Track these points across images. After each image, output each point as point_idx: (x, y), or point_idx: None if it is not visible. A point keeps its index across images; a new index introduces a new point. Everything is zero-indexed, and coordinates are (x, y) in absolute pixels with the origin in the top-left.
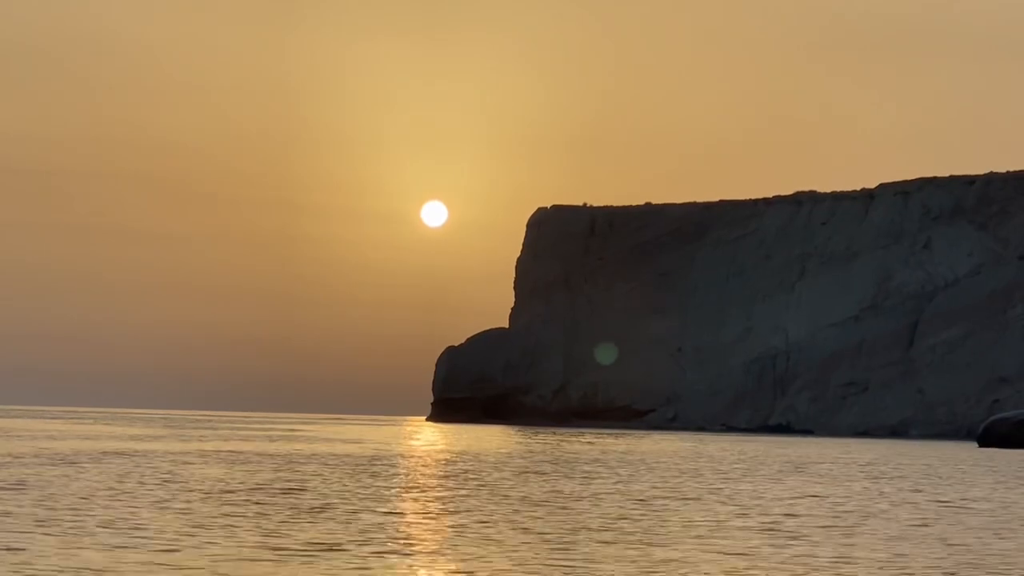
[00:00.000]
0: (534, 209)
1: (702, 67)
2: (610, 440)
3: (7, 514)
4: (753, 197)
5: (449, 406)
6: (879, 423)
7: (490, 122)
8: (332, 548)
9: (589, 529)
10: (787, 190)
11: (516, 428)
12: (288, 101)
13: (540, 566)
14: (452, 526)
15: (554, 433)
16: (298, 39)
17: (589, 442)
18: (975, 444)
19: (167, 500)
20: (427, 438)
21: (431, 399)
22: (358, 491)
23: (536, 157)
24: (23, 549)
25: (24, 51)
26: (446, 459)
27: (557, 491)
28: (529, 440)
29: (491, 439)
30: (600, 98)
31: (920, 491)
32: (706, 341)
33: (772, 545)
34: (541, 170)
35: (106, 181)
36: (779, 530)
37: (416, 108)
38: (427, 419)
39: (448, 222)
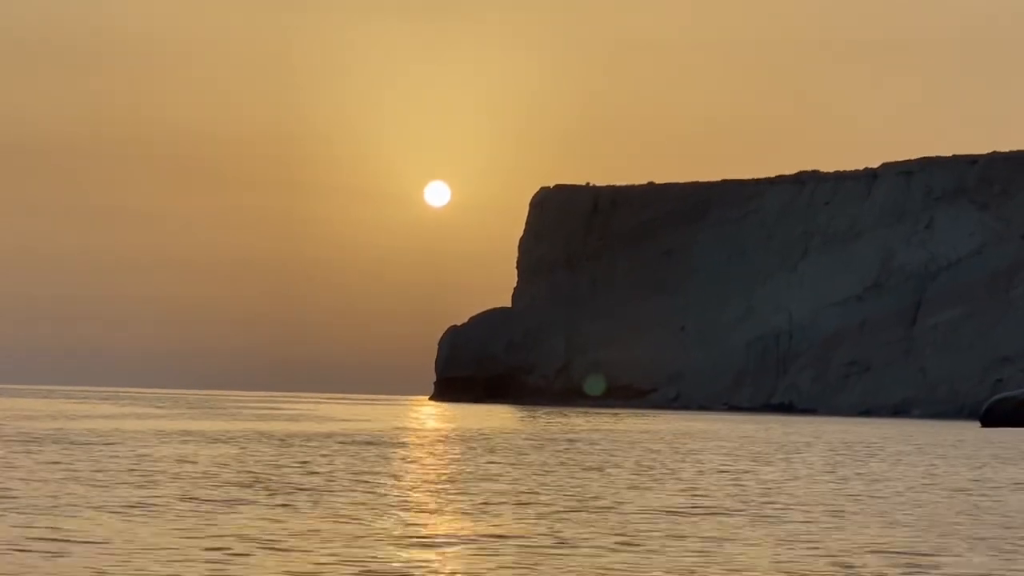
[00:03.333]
0: (537, 188)
1: (705, 46)
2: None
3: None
4: (756, 177)
5: (451, 386)
6: (881, 402)
7: (493, 102)
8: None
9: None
10: (790, 170)
11: (520, 408)
12: (291, 82)
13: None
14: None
15: (594, 414)
16: (302, 20)
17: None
18: (977, 424)
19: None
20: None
21: (434, 379)
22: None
23: (539, 136)
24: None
25: (29, 35)
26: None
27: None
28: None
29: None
30: (603, 77)
31: None
32: (708, 320)
33: None
34: (544, 149)
35: (110, 162)
36: None
37: (419, 88)
38: (429, 398)
39: (451, 202)
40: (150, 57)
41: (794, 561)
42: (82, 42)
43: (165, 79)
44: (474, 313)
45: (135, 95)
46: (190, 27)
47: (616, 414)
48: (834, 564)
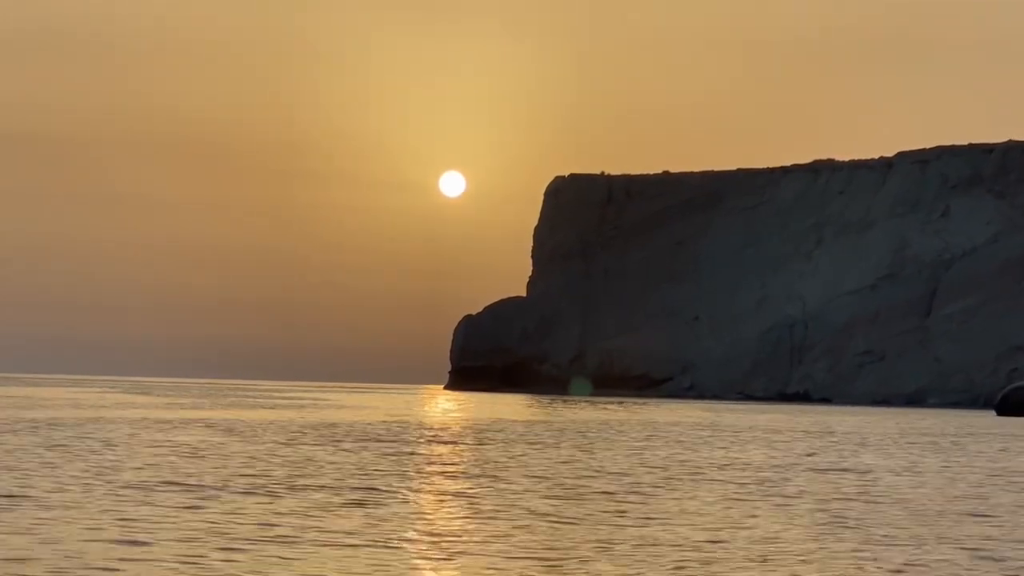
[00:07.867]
0: (551, 178)
1: (720, 35)
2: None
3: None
4: (770, 166)
5: (466, 375)
6: (896, 391)
7: (508, 92)
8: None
9: None
10: (804, 158)
11: (539, 397)
12: (308, 74)
13: None
14: None
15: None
16: (318, 13)
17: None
18: (992, 412)
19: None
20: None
21: (449, 367)
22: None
23: (553, 126)
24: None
25: (45, 29)
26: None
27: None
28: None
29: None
30: (618, 67)
31: None
32: (722, 309)
33: None
34: (558, 139)
35: (128, 149)
36: None
37: (433, 79)
38: (445, 387)
39: (466, 192)
40: (174, 52)
41: None
42: (94, 35)
43: (182, 72)
44: (489, 302)
45: (146, 84)
46: (206, 20)
47: (646, 403)
48: None
